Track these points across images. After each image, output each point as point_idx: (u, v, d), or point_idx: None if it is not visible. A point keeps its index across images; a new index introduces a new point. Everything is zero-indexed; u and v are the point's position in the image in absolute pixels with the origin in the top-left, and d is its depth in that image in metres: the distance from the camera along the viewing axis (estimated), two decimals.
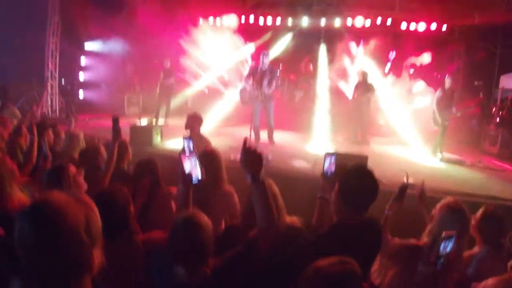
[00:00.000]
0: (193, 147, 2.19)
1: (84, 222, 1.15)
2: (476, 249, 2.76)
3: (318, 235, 2.24)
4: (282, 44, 11.28)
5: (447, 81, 7.59)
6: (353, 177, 2.23)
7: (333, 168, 2.52)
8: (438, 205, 2.43)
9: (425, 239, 2.36)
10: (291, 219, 2.37)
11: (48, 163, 3.35)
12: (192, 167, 2.20)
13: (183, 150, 2.20)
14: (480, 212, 2.81)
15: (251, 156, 1.72)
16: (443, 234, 1.84)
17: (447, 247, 1.81)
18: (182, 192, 2.30)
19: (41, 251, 1.10)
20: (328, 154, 2.67)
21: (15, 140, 4.36)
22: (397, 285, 2.24)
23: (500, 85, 9.81)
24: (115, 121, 3.21)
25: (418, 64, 10.62)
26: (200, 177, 2.21)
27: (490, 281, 2.02)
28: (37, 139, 3.78)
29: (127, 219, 2.35)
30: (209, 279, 1.95)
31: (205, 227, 2.01)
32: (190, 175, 2.21)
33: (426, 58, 10.33)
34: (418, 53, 10.38)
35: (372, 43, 10.30)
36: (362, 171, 2.28)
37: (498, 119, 8.63)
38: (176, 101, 11.24)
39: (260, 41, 11.06)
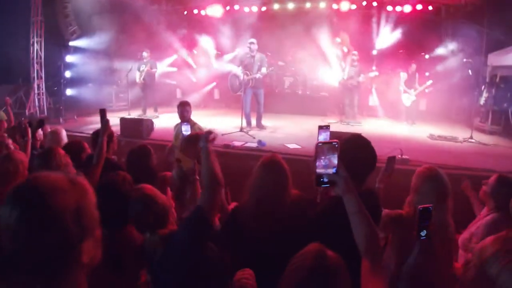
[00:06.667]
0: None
1: (73, 207, 0.99)
2: (488, 216, 2.70)
3: (319, 209, 2.16)
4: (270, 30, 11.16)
5: (412, 66, 9.34)
6: (350, 147, 2.04)
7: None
8: (415, 175, 2.36)
9: (406, 209, 2.33)
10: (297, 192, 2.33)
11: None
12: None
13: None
14: (493, 179, 2.75)
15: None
16: (418, 207, 1.77)
17: (425, 219, 1.76)
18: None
19: (22, 237, 0.95)
20: (321, 128, 2.59)
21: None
22: (392, 253, 2.23)
23: (488, 63, 9.81)
24: (103, 112, 3.12)
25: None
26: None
27: (488, 239, 1.98)
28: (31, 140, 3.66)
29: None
30: None
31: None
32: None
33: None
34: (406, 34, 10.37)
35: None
36: (358, 141, 2.15)
37: (487, 96, 8.67)
38: (165, 92, 11.13)
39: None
